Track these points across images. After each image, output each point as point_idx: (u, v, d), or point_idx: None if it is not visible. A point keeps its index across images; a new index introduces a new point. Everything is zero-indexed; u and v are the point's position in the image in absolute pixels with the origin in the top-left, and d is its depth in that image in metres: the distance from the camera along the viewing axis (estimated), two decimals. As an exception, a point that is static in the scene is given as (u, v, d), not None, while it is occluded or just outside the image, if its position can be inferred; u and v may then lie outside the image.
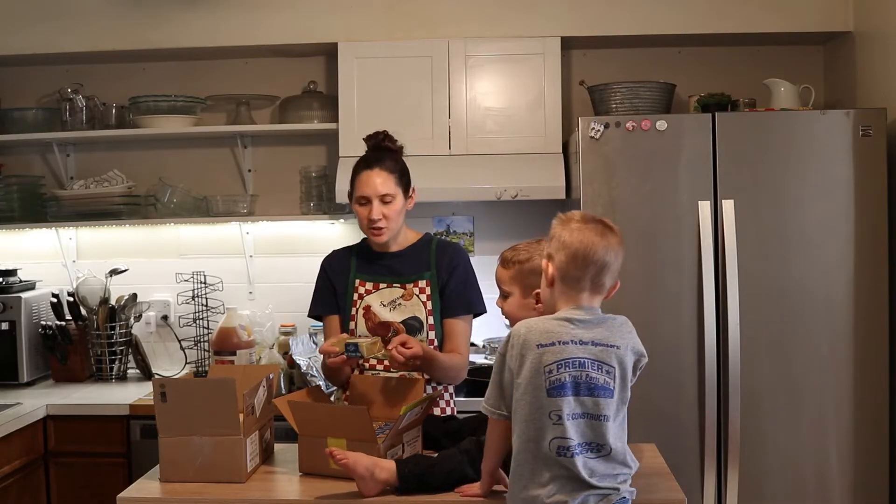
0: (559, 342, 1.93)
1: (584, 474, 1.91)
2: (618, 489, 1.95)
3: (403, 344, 2.45)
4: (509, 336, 1.99)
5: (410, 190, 2.71)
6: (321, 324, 2.80)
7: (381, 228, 2.64)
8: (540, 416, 1.92)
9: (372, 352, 2.47)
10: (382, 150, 2.68)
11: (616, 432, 1.96)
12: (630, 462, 1.99)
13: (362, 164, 2.66)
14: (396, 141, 2.72)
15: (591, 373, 1.93)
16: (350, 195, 2.70)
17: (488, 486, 2.10)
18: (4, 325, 3.68)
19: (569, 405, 1.91)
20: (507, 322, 2.33)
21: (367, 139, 2.73)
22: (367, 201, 2.63)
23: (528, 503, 1.94)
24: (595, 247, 1.96)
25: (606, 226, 2.01)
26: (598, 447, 1.93)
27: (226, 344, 3.65)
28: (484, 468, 2.10)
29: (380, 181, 2.61)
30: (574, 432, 1.91)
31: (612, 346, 1.96)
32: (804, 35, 3.69)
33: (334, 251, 2.83)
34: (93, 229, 4.00)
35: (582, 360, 1.93)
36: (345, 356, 2.45)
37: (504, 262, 2.38)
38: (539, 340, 1.93)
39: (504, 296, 2.36)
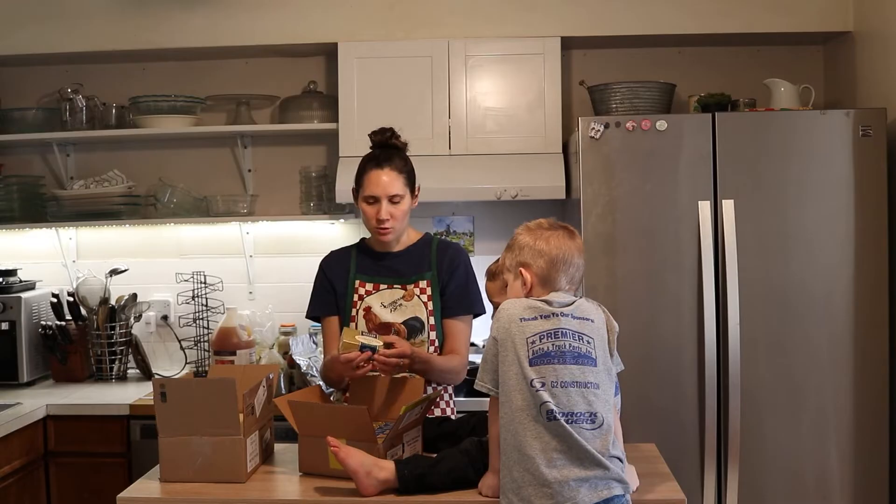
0: (541, 316, 2.04)
1: (580, 440, 1.94)
2: (608, 468, 1.95)
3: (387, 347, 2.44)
4: (496, 311, 2.11)
5: (416, 189, 2.71)
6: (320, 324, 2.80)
7: (387, 228, 2.63)
8: (524, 387, 1.98)
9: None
10: (390, 148, 2.67)
11: (606, 405, 2.00)
12: (618, 449, 2.02)
13: (372, 163, 2.64)
14: (401, 137, 2.70)
15: (574, 343, 2.02)
16: (355, 192, 2.69)
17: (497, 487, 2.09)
18: (4, 325, 3.68)
19: (554, 373, 1.98)
20: None
21: (373, 135, 2.70)
22: (375, 200, 2.62)
23: (518, 481, 1.95)
24: (571, 250, 2.13)
25: (569, 229, 2.17)
26: (592, 416, 1.97)
27: (226, 344, 3.65)
28: (492, 466, 2.10)
29: (389, 181, 2.60)
30: (563, 401, 1.96)
31: (587, 319, 2.07)
32: (804, 35, 3.69)
33: (332, 252, 2.82)
34: (93, 229, 4.00)
35: (565, 331, 2.03)
36: (368, 353, 2.42)
37: (490, 276, 2.51)
38: (522, 315, 2.05)
39: (497, 308, 2.39)
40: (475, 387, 2.10)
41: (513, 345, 2.02)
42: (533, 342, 2.01)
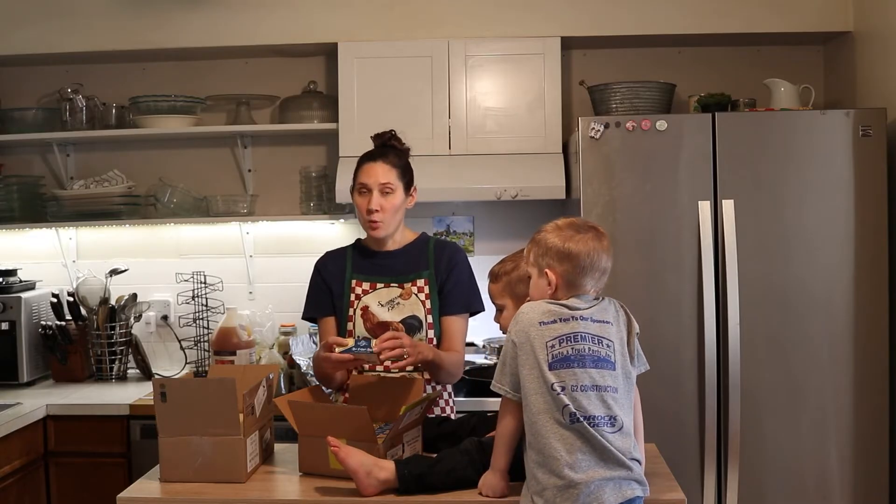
0: (560, 319, 2.03)
1: (603, 441, 1.95)
2: (631, 469, 1.97)
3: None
4: (516, 314, 2.08)
5: (412, 189, 2.71)
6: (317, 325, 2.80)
7: (377, 222, 2.63)
8: (545, 390, 1.98)
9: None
10: (388, 148, 2.69)
11: (624, 409, 2.01)
12: (638, 452, 2.03)
13: (366, 157, 2.68)
14: (404, 143, 2.72)
15: (594, 346, 2.01)
16: (352, 189, 2.70)
17: (503, 487, 2.10)
18: (4, 325, 3.68)
19: (574, 377, 1.98)
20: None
21: (375, 137, 2.73)
22: (366, 190, 2.62)
23: (542, 482, 1.95)
24: (599, 253, 2.09)
25: (598, 231, 2.12)
26: (611, 420, 1.98)
27: (226, 344, 3.65)
28: (494, 465, 2.10)
29: (381, 172, 2.62)
30: (583, 404, 1.96)
31: (606, 322, 2.06)
32: (804, 35, 3.69)
33: (328, 252, 2.81)
34: (93, 229, 4.00)
35: (584, 335, 2.02)
36: (352, 355, 2.40)
37: (493, 277, 2.46)
38: (541, 318, 2.03)
39: (499, 310, 2.42)
40: (492, 388, 2.10)
41: (532, 349, 2.01)
42: (552, 346, 2.00)
